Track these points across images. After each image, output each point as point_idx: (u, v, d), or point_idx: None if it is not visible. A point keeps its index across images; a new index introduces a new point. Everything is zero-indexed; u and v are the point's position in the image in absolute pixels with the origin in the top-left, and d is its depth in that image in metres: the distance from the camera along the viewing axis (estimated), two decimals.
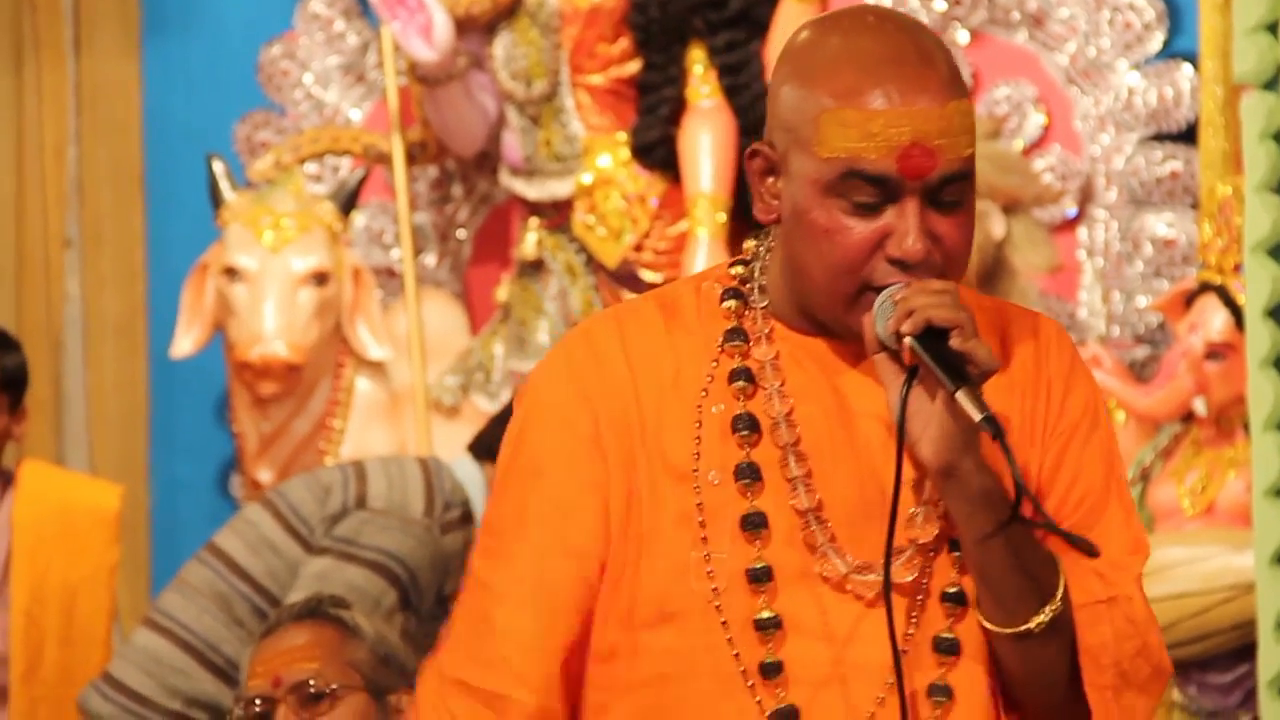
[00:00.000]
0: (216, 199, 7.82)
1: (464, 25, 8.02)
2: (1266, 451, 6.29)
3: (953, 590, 3.02)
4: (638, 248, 8.01)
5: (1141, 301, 7.81)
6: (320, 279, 7.79)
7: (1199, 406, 6.97)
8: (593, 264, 8.09)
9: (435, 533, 6.00)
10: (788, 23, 7.73)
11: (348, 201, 7.98)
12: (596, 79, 8.05)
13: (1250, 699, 6.42)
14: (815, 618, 3.01)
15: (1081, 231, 7.94)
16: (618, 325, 3.12)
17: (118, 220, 8.77)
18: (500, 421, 5.66)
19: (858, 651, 3.01)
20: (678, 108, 7.92)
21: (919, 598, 3.03)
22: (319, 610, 4.52)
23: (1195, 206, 7.63)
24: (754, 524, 3.02)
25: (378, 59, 8.33)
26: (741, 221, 7.87)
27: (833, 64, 2.99)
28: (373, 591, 5.78)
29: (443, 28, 7.93)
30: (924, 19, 7.93)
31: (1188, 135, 7.76)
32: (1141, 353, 7.65)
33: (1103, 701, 3.03)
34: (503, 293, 8.28)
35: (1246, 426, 6.54)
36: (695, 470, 3.04)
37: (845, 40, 3.02)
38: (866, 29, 3.03)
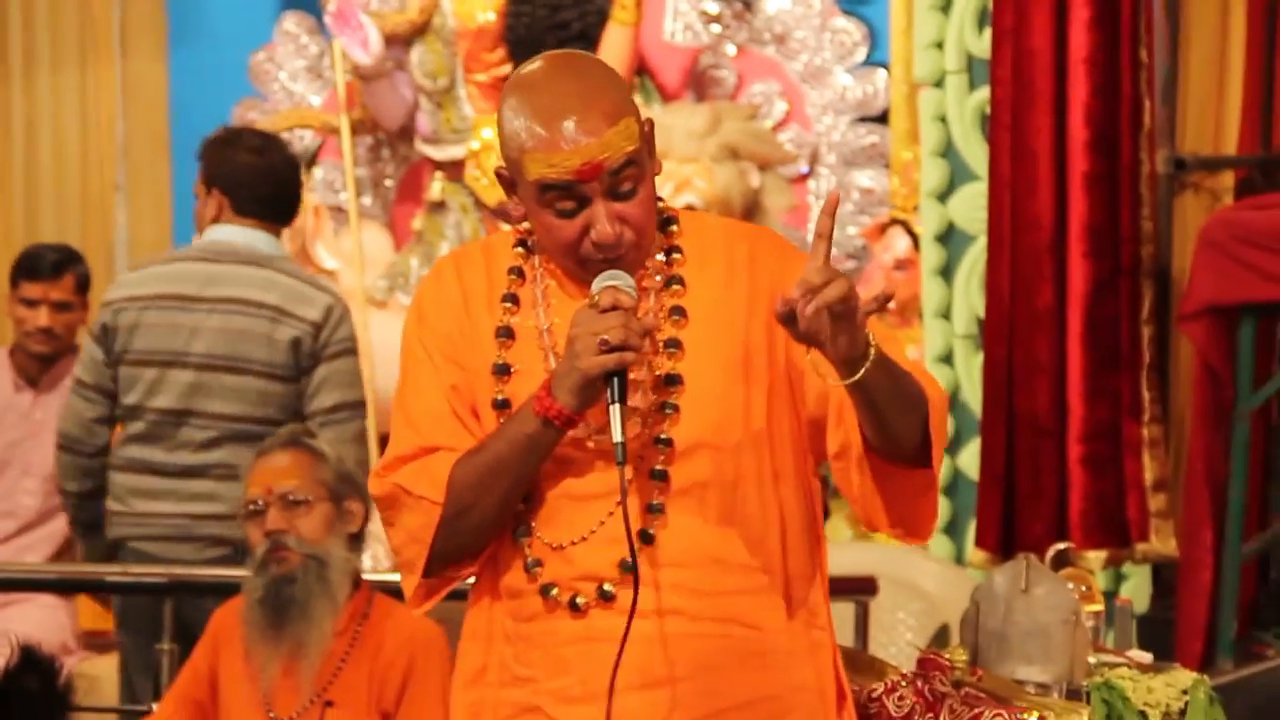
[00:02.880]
0: None
1: (391, 39, 7.98)
2: (934, 332, 6.41)
3: (664, 437, 2.90)
4: None
5: (851, 230, 7.78)
6: None
7: (889, 304, 6.92)
8: (479, 203, 8.11)
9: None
10: (610, 41, 7.79)
11: (310, 160, 7.94)
12: (482, 77, 8.05)
13: None
14: (552, 470, 2.92)
15: (811, 183, 7.90)
16: (454, 262, 3.05)
17: (152, 172, 8.60)
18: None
19: (594, 487, 2.91)
20: None
21: (641, 446, 2.89)
22: (297, 440, 4.47)
23: (887, 167, 7.63)
24: (502, 405, 2.94)
25: (331, 62, 8.29)
26: None
27: (525, 115, 2.86)
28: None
29: (376, 41, 7.89)
30: (704, 38, 7.95)
31: (882, 119, 7.72)
32: (851, 265, 7.60)
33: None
34: (418, 223, 8.22)
35: (921, 315, 6.60)
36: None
37: (531, 97, 2.88)
38: (545, 88, 2.89)
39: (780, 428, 2.97)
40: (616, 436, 2.82)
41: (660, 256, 2.99)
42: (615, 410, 2.83)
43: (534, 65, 2.95)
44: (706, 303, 2.97)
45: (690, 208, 6.69)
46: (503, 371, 2.96)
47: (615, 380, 2.84)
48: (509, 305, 2.99)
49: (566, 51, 3.04)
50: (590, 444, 2.92)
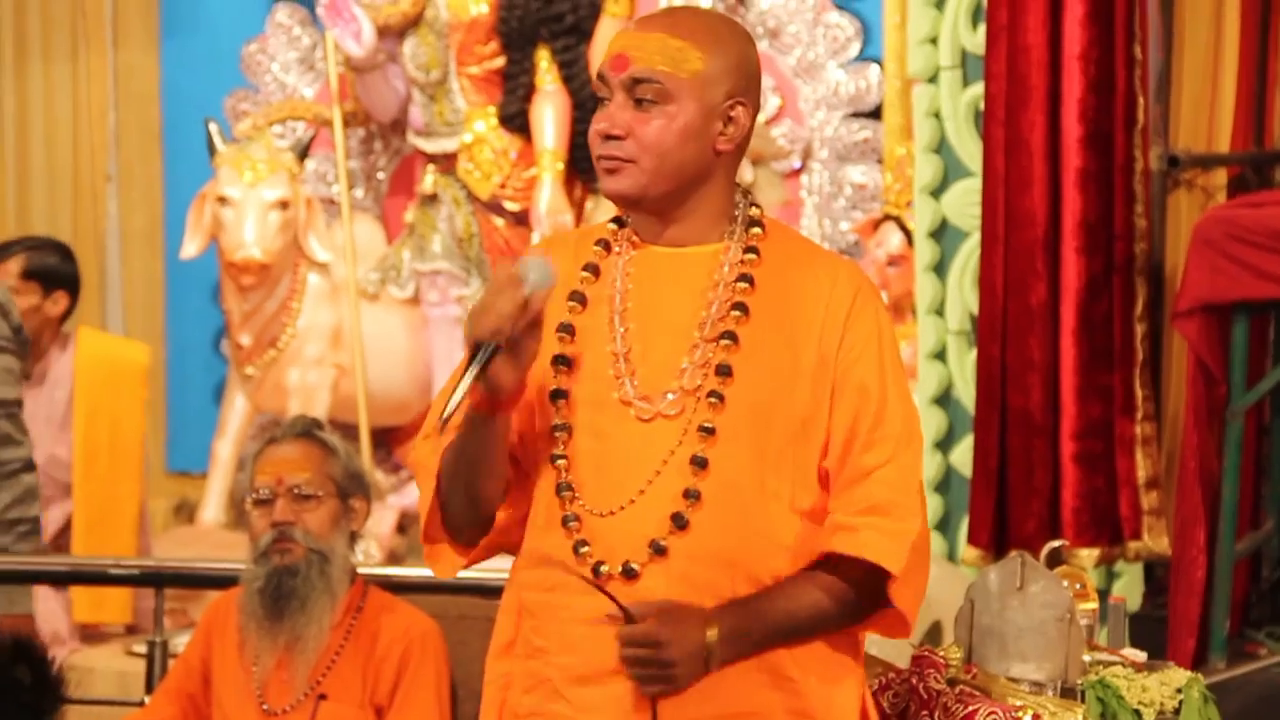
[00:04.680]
0: (211, 149, 7.75)
1: (383, 32, 8.00)
2: (927, 329, 6.40)
3: (707, 425, 2.91)
4: (502, 186, 8.01)
5: (844, 226, 7.81)
6: (284, 205, 7.74)
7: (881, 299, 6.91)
8: (471, 197, 8.12)
9: None
10: (603, 33, 7.74)
11: (302, 152, 7.95)
12: (474, 69, 8.06)
13: None
14: (599, 431, 2.97)
15: (804, 178, 7.93)
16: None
17: (143, 163, 8.72)
18: None
19: (633, 454, 2.93)
20: (530, 90, 7.90)
21: (684, 429, 2.92)
22: (309, 432, 4.39)
23: (880, 162, 7.64)
24: (561, 361, 2.98)
25: (324, 54, 8.31)
26: (573, 169, 7.94)
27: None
28: None
29: (369, 33, 7.91)
30: None
31: (875, 114, 7.75)
32: None
33: None
34: (409, 216, 8.23)
35: (914, 311, 6.60)
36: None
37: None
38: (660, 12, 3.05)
39: (808, 460, 2.96)
40: (449, 408, 2.85)
41: (736, 252, 3.00)
42: (467, 377, 2.85)
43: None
44: (771, 309, 2.97)
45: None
46: (566, 331, 2.99)
47: (478, 351, 2.85)
48: (587, 275, 3.02)
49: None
50: (632, 411, 2.93)
